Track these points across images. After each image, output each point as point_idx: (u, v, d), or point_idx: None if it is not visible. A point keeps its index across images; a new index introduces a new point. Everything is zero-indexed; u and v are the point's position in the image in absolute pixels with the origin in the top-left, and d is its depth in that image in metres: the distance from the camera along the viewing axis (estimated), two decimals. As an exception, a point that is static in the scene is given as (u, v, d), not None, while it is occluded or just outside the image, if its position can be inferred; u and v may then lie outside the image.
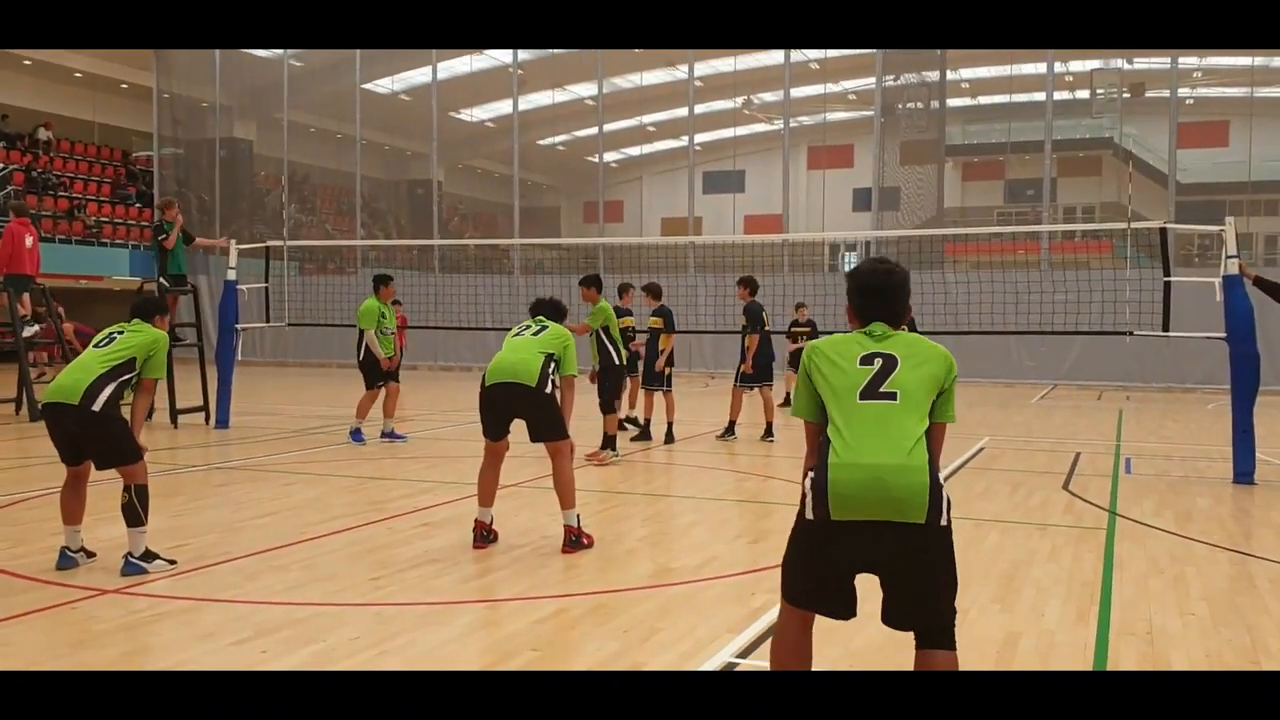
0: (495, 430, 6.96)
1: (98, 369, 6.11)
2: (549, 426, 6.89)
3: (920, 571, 3.32)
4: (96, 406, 6.01)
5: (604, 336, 11.09)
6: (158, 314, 6.67)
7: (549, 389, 6.85)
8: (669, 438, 12.39)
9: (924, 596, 3.35)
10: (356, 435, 12.08)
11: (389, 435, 12.28)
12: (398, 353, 12.56)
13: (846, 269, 31.36)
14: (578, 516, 6.91)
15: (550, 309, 7.41)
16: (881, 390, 3.38)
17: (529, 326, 7.19)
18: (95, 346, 6.31)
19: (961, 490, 9.32)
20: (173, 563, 6.25)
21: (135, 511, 6.10)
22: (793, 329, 17.26)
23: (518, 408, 6.86)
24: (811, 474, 3.38)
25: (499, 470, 7.05)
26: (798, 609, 3.47)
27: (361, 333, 12.09)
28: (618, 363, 11.20)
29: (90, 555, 6.40)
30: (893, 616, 3.41)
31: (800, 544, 3.43)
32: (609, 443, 10.97)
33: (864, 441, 3.31)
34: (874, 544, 3.27)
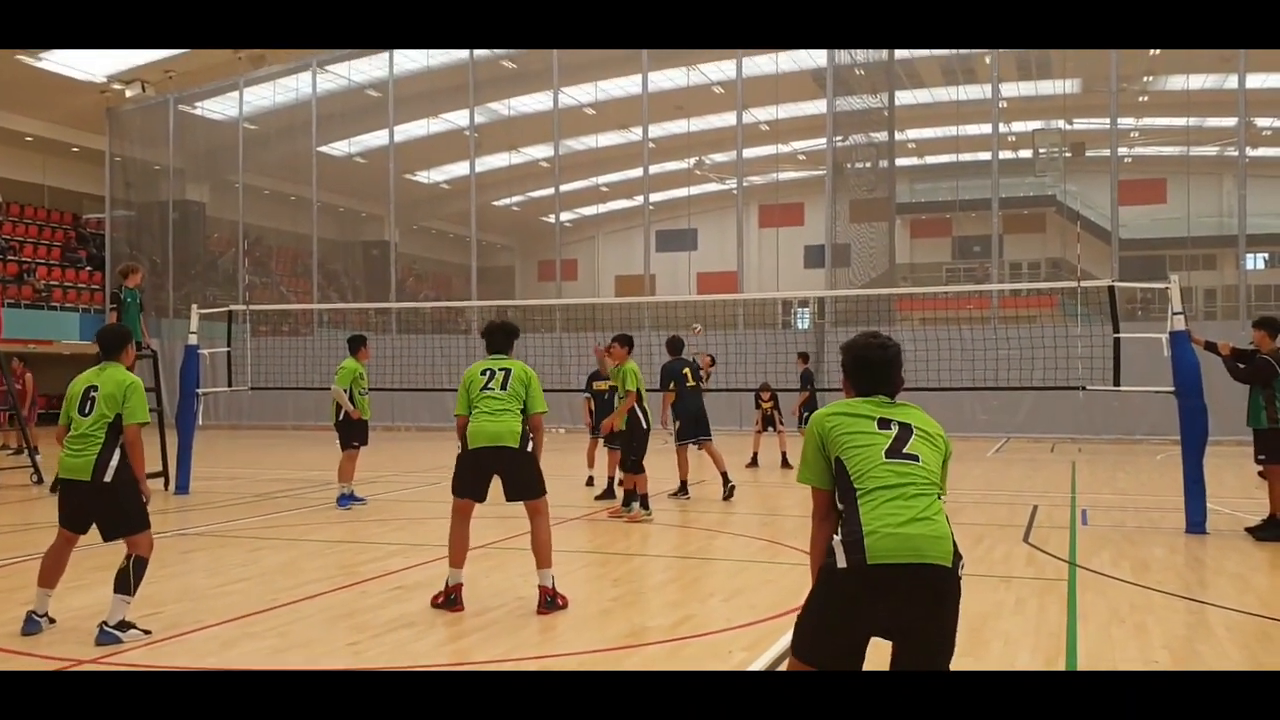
0: (477, 490, 7.05)
1: (97, 439, 6.22)
2: (528, 485, 7.03)
3: (940, 620, 3.44)
4: (108, 478, 6.19)
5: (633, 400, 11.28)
6: (125, 343, 6.67)
7: (529, 447, 7.03)
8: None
9: (936, 654, 3.47)
10: (344, 500, 12.01)
11: (348, 497, 12.29)
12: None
13: (800, 325, 31.86)
14: (553, 577, 6.98)
15: (504, 339, 7.38)
16: (904, 452, 3.56)
17: (493, 374, 7.16)
18: (81, 414, 6.34)
19: (925, 544, 9.49)
20: (147, 632, 6.23)
21: (127, 581, 6.14)
22: (759, 402, 17.65)
23: (500, 468, 7.00)
24: (841, 535, 3.46)
25: (469, 527, 7.12)
26: (806, 666, 3.54)
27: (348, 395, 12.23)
28: (645, 425, 11.32)
29: (50, 621, 6.41)
30: (906, 660, 3.49)
31: (828, 597, 3.49)
32: (643, 501, 11.13)
33: (894, 508, 3.43)
34: (907, 586, 3.36)
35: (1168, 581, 7.92)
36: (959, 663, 5.62)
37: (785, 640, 5.98)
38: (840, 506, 3.57)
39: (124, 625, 6.15)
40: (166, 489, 13.73)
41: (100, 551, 7.99)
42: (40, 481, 14.22)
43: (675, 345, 13.21)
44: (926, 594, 3.38)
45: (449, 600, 6.95)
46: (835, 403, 3.77)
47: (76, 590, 7.37)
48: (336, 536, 10.05)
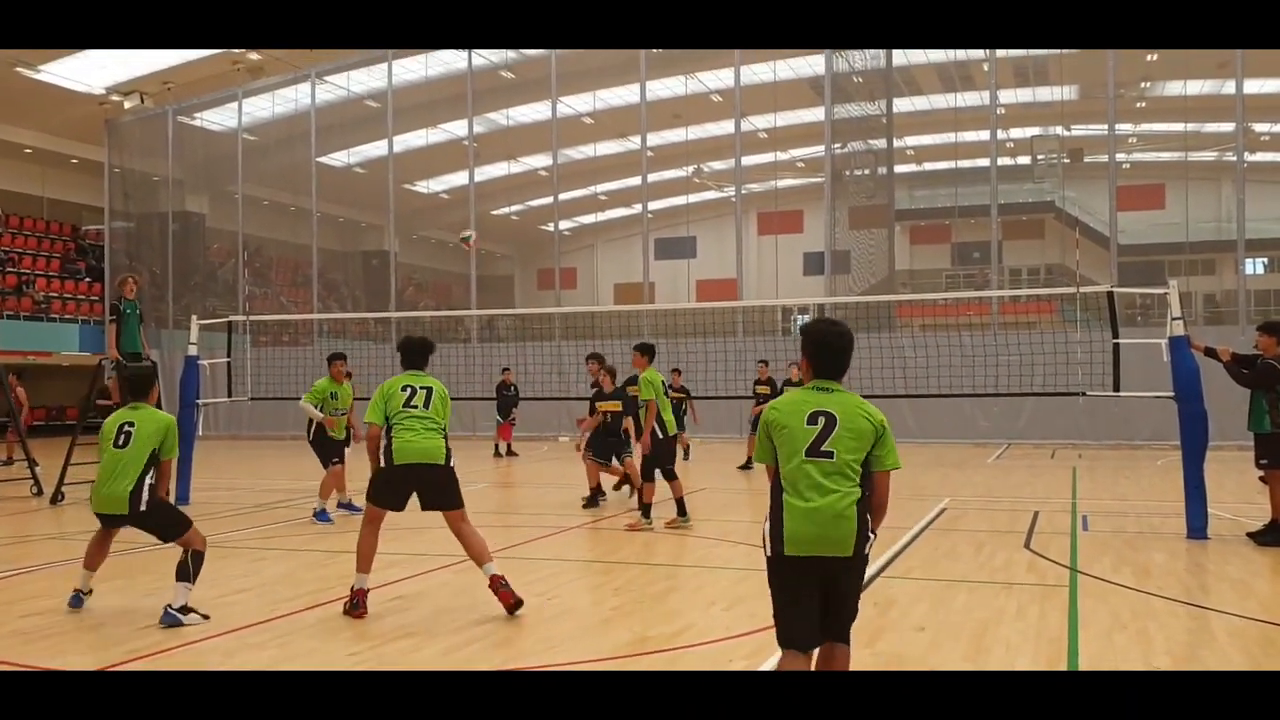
0: (399, 503, 7.24)
1: (133, 474, 6.87)
2: (450, 498, 7.23)
3: (848, 590, 4.25)
4: (143, 506, 6.89)
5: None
6: (152, 385, 7.45)
7: (452, 462, 7.26)
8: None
9: (847, 610, 4.29)
10: (322, 515, 11.83)
11: (346, 506, 12.27)
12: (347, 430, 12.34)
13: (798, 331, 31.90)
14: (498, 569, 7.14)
15: (422, 356, 7.58)
16: (822, 449, 4.19)
17: (414, 391, 7.27)
18: (116, 446, 6.91)
19: (927, 551, 9.48)
20: (206, 617, 6.75)
21: (187, 570, 6.76)
22: (756, 388, 17.39)
23: (422, 482, 7.17)
24: (768, 519, 4.26)
25: (379, 536, 7.31)
26: (790, 650, 4.22)
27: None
28: (662, 435, 11.19)
29: (88, 592, 7.24)
30: (827, 627, 4.26)
31: (774, 583, 4.29)
32: (645, 510, 11.10)
33: (809, 497, 4.15)
34: (817, 570, 4.17)
35: (1169, 587, 7.91)
36: (960, 669, 5.63)
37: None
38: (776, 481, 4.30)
39: (185, 609, 6.67)
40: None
41: (118, 561, 7.98)
42: (40, 493, 14.21)
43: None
44: (832, 573, 4.18)
45: (353, 605, 7.04)
46: (782, 396, 4.44)
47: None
48: (336, 547, 10.02)
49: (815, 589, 4.18)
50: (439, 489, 7.18)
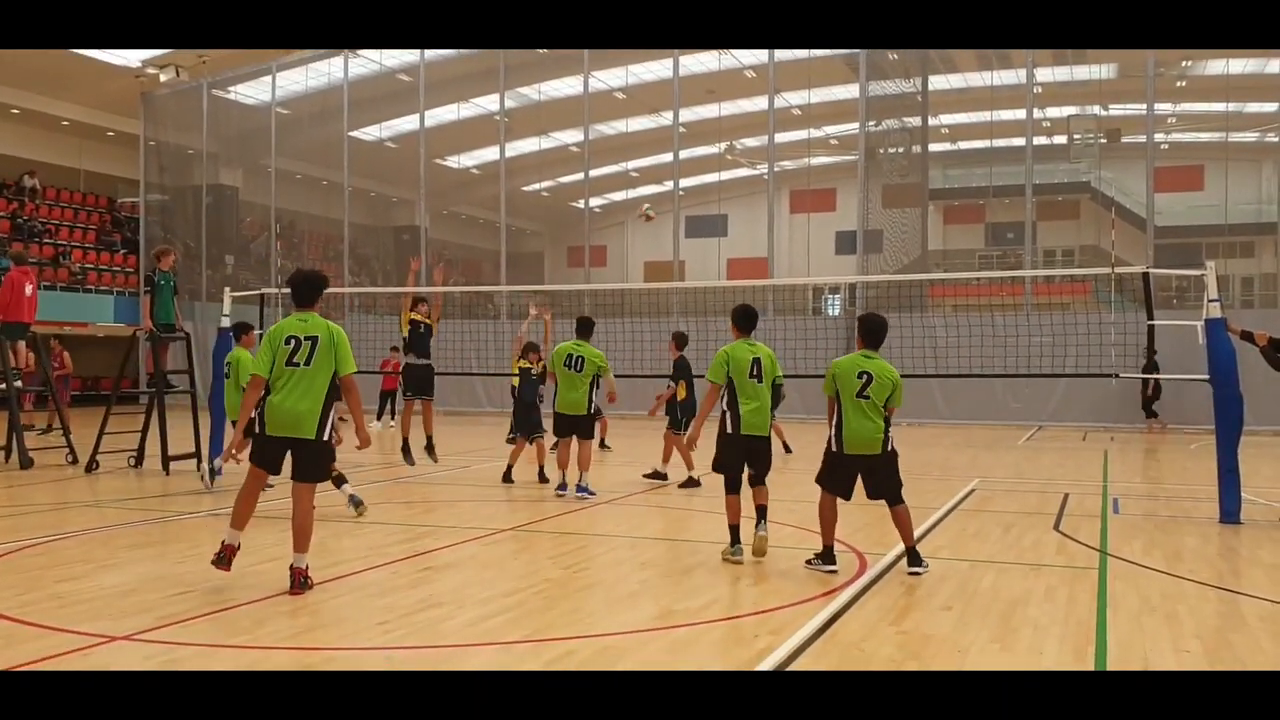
0: (275, 465, 7.00)
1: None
2: (315, 469, 7.06)
3: (883, 471, 7.51)
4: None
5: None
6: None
7: (327, 434, 6.98)
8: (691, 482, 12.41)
9: (886, 483, 7.54)
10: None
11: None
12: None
13: (831, 312, 31.74)
14: (307, 563, 7.00)
15: (309, 291, 7.32)
16: (865, 393, 7.41)
17: (298, 344, 6.94)
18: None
19: (955, 532, 9.45)
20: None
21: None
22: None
23: (291, 449, 6.94)
24: (832, 431, 7.52)
25: (258, 496, 7.14)
26: (830, 495, 7.59)
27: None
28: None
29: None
30: (871, 492, 7.59)
31: (831, 463, 7.56)
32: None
33: (860, 422, 7.43)
34: (862, 461, 7.48)
35: (1200, 571, 7.85)
36: (987, 649, 5.63)
37: (810, 626, 6.00)
38: (837, 408, 7.51)
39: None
40: (199, 470, 13.85)
41: (152, 528, 8.11)
42: (75, 462, 14.39)
43: (681, 340, 13.76)
44: (872, 463, 7.48)
45: (219, 559, 6.94)
46: (843, 358, 7.59)
47: (110, 568, 7.50)
48: (367, 518, 10.10)
49: (854, 472, 7.52)
50: (305, 461, 6.96)
